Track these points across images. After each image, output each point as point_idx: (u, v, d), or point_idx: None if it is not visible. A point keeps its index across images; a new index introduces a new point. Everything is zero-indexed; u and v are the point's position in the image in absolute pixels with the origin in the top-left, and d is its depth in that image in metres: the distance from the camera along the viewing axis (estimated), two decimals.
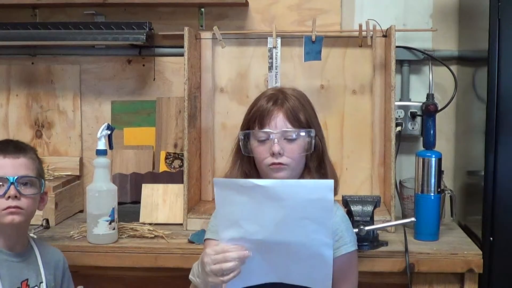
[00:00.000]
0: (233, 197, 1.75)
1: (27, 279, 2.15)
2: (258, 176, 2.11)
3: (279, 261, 1.83)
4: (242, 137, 2.09)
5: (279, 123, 2.02)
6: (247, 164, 2.13)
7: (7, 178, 2.07)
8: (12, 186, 2.06)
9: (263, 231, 1.76)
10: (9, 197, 2.06)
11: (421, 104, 2.95)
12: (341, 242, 2.08)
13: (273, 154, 2.00)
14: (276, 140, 2.00)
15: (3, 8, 3.22)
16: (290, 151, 2.02)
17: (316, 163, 2.11)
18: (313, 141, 2.06)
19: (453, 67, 3.06)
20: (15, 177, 2.07)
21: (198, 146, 3.03)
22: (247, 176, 2.12)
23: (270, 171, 2.04)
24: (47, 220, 2.77)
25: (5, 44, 3.16)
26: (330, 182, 1.70)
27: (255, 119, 2.05)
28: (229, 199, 1.76)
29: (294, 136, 2.03)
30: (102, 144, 2.59)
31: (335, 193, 2.12)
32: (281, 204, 1.72)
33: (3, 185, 2.07)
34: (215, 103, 3.13)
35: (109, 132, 2.61)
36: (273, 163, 2.02)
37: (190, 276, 1.97)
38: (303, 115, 2.05)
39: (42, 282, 2.18)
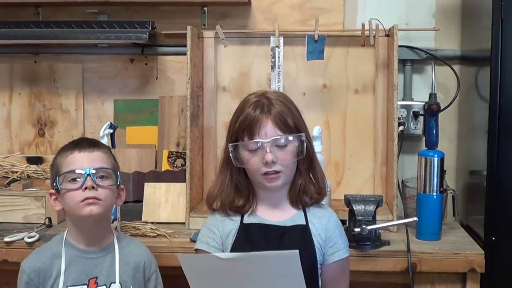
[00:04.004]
0: (201, 268, 1.74)
1: (96, 277, 2.15)
2: (250, 185, 2.11)
3: None
4: (232, 149, 2.06)
5: (269, 131, 1.99)
6: (237, 175, 2.10)
7: (83, 170, 2.08)
8: (88, 178, 2.08)
9: None
10: (86, 188, 2.07)
11: (423, 103, 2.96)
12: (335, 248, 2.10)
13: (266, 163, 1.99)
14: (268, 149, 1.98)
15: (6, 7, 3.24)
16: (283, 158, 2.00)
17: (306, 166, 2.11)
18: (304, 144, 2.05)
19: (456, 67, 3.07)
20: (91, 169, 2.09)
21: (200, 145, 3.04)
22: (238, 187, 2.11)
23: (265, 180, 2.03)
24: (50, 219, 2.77)
25: (8, 42, 3.19)
26: (295, 252, 1.64)
27: (243, 129, 2.02)
28: (197, 270, 1.74)
29: (284, 142, 2.01)
30: (105, 143, 2.59)
31: (324, 195, 2.15)
32: (250, 272, 1.71)
33: (80, 178, 2.09)
34: (218, 102, 3.13)
35: (111, 131, 2.60)
36: (267, 173, 2.01)
37: None
38: (291, 119, 2.03)
39: (114, 283, 2.15)
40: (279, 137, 2.00)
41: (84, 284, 2.13)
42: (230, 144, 2.07)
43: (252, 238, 2.02)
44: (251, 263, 1.70)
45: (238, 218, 2.10)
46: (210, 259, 1.74)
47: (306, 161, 2.10)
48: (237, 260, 1.69)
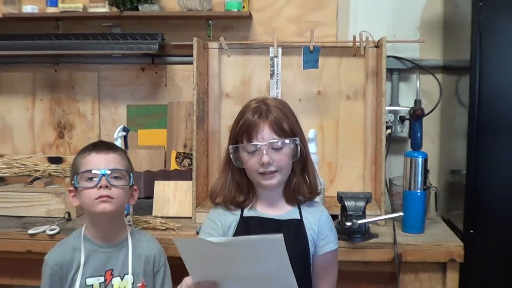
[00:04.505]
0: (195, 252, 1.73)
1: (112, 269, 2.17)
2: (250, 184, 2.12)
3: (250, 285, 1.79)
4: (233, 151, 2.07)
5: (265, 135, 2.00)
6: (237, 174, 2.11)
7: (99, 170, 2.10)
8: (103, 177, 2.09)
9: (230, 274, 1.75)
10: (100, 187, 2.09)
11: (409, 109, 2.94)
12: (326, 240, 2.11)
13: (262, 164, 2.00)
14: (264, 151, 1.99)
15: (29, 21, 3.25)
16: (278, 159, 2.01)
17: (300, 167, 2.11)
18: (298, 147, 2.05)
19: (438, 75, 3.08)
20: (106, 169, 2.11)
21: (205, 147, 3.04)
22: (238, 185, 2.12)
23: (261, 179, 2.04)
24: (69, 213, 2.78)
25: (31, 53, 3.20)
26: (280, 236, 1.63)
27: (243, 132, 2.03)
28: (192, 253, 1.74)
29: (280, 145, 2.02)
30: (118, 144, 2.60)
31: (316, 194, 2.15)
32: (239, 255, 1.70)
33: (95, 178, 2.10)
34: (222, 107, 3.13)
35: (124, 134, 2.61)
36: (264, 172, 2.02)
37: None
38: (287, 124, 2.03)
39: (127, 274, 2.17)
40: (275, 140, 2.01)
41: (101, 276, 2.15)
42: (230, 146, 2.08)
43: (251, 230, 2.02)
44: (240, 247, 1.69)
45: (238, 212, 2.12)
46: (203, 243, 1.73)
47: (301, 163, 2.11)
48: (227, 244, 1.69)
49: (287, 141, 2.03)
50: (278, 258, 1.69)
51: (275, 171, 2.03)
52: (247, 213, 2.11)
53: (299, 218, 2.10)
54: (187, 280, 1.80)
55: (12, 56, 3.31)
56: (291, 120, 2.07)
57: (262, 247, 1.68)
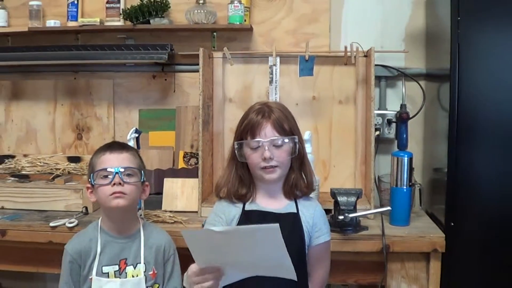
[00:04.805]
0: (201, 241, 1.74)
1: (125, 258, 2.18)
2: (252, 178, 2.13)
3: (251, 268, 1.82)
4: (237, 146, 2.08)
5: (268, 132, 2.02)
6: (241, 169, 2.12)
7: (113, 168, 2.11)
8: (117, 175, 2.10)
9: (233, 260, 1.76)
10: (114, 184, 2.10)
11: (395, 112, 2.95)
12: (320, 233, 2.11)
13: (264, 159, 2.01)
14: (266, 147, 2.01)
15: (52, 34, 3.27)
16: (278, 155, 2.03)
17: (298, 164, 2.12)
18: (297, 146, 2.06)
19: (422, 82, 3.07)
20: (119, 168, 2.11)
21: (210, 147, 3.04)
22: (241, 179, 2.13)
23: (263, 173, 2.05)
24: (86, 208, 2.79)
25: (53, 63, 3.21)
26: (276, 225, 1.64)
27: (247, 130, 2.05)
28: (197, 243, 1.74)
29: (281, 142, 2.03)
30: (131, 145, 2.60)
31: (312, 189, 2.16)
32: (240, 243, 1.71)
33: (110, 175, 2.11)
34: (225, 111, 3.13)
35: (137, 135, 2.61)
36: (265, 167, 2.03)
37: (184, 284, 1.96)
38: (287, 124, 2.05)
39: (139, 263, 2.18)
40: (276, 138, 2.03)
41: (115, 264, 2.16)
42: (235, 142, 2.09)
43: (252, 222, 2.00)
44: (241, 235, 1.70)
45: (240, 205, 2.12)
46: (207, 233, 1.74)
47: (298, 160, 2.12)
48: (228, 233, 1.70)
49: (286, 139, 2.04)
50: (275, 245, 1.69)
51: (276, 166, 2.04)
52: (248, 206, 2.12)
53: (295, 211, 2.11)
54: (192, 267, 1.81)
55: (36, 65, 3.32)
56: (291, 121, 2.09)
57: (260, 235, 1.69)
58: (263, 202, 2.13)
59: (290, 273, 1.80)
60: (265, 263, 1.78)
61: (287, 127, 2.06)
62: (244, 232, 1.72)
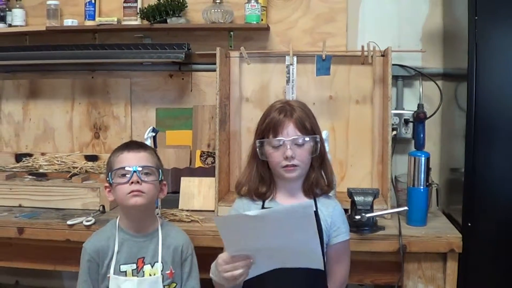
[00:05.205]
0: (233, 227, 1.76)
1: (143, 257, 2.18)
2: (272, 176, 2.13)
3: (279, 256, 1.83)
4: (259, 145, 2.08)
5: (290, 131, 2.02)
6: (262, 167, 2.12)
7: (131, 167, 2.12)
8: (135, 174, 2.11)
9: (264, 247, 1.78)
10: (132, 182, 2.11)
11: (413, 112, 2.93)
12: (338, 231, 2.11)
13: (286, 158, 2.01)
14: (288, 146, 2.01)
15: (69, 33, 3.30)
16: (300, 154, 2.03)
17: (318, 163, 2.12)
18: (318, 145, 2.07)
19: (439, 82, 3.07)
20: (137, 166, 2.12)
21: (227, 146, 3.04)
22: (262, 177, 2.13)
23: (284, 172, 2.05)
24: (103, 206, 2.81)
25: (70, 61, 3.24)
26: (310, 202, 1.66)
27: (269, 129, 2.05)
28: (230, 229, 1.76)
29: (302, 141, 2.03)
30: (148, 144, 2.61)
31: (332, 188, 2.16)
32: (273, 225, 1.73)
33: (128, 174, 2.12)
34: (242, 110, 3.14)
35: (154, 134, 2.62)
36: (287, 166, 2.03)
37: (211, 275, 1.97)
38: (309, 123, 2.06)
39: (157, 262, 2.19)
40: (298, 137, 2.03)
41: (133, 263, 2.17)
42: (257, 140, 2.09)
43: None
44: (274, 219, 1.72)
45: (260, 203, 2.12)
46: (240, 218, 1.77)
47: (319, 158, 2.12)
48: (262, 216, 1.72)
49: (308, 138, 2.05)
50: (306, 225, 1.72)
51: (297, 165, 2.04)
52: (268, 204, 2.12)
53: (314, 209, 2.10)
54: (222, 255, 1.84)
55: (54, 64, 3.34)
56: (312, 120, 2.10)
57: (294, 215, 1.72)
58: (283, 200, 2.12)
59: (318, 261, 1.83)
60: (296, 249, 1.80)
61: (309, 125, 2.06)
62: (278, 214, 1.74)
